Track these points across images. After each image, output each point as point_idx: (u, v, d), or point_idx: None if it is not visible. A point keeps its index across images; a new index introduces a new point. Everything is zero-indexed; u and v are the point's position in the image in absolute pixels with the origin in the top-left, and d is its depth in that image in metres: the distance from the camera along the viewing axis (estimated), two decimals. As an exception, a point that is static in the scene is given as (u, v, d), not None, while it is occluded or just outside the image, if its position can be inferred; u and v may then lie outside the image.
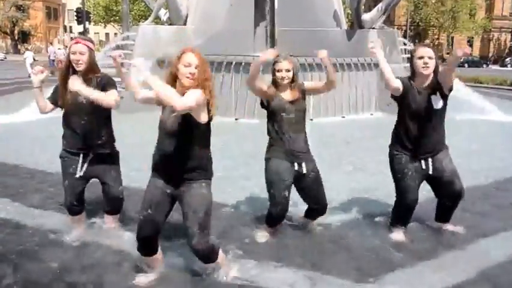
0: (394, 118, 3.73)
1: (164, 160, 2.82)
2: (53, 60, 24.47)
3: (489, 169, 5.68)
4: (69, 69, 3.39)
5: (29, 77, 23.20)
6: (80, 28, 32.01)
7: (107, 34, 59.25)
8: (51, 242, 3.55)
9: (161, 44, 10.44)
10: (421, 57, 3.43)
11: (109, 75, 3.52)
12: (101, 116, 3.48)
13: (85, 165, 3.51)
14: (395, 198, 3.82)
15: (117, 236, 3.63)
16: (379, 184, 4.84)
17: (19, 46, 50.14)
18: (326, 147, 6.42)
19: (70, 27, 54.26)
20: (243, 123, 8.97)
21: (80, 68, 3.35)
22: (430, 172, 3.62)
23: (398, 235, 3.75)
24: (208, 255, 2.93)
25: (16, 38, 56.26)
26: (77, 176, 3.51)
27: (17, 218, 3.99)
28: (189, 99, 2.60)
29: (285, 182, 3.48)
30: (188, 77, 2.71)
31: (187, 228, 2.82)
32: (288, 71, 3.48)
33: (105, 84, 3.41)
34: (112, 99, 3.32)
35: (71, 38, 52.86)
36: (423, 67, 3.43)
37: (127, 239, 3.50)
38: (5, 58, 42.51)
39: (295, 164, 3.50)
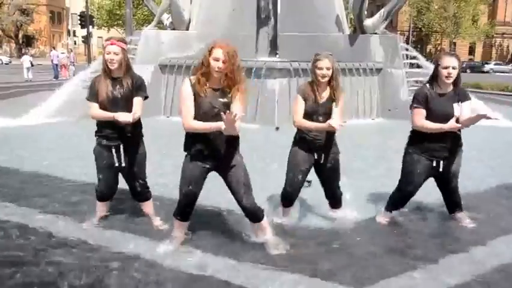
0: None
1: (211, 142, 3.20)
2: (57, 65, 24.46)
3: (487, 175, 5.68)
4: (108, 69, 3.56)
5: (26, 81, 22.94)
6: (84, 32, 32.09)
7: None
8: (54, 244, 3.57)
9: (164, 49, 10.53)
10: (446, 67, 3.59)
11: (142, 79, 3.73)
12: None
13: (120, 156, 3.69)
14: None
15: (117, 238, 3.68)
16: (378, 189, 4.88)
17: (23, 50, 50.37)
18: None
19: (74, 31, 54.29)
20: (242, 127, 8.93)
21: (114, 66, 3.54)
22: (440, 170, 3.81)
23: (384, 218, 4.10)
24: (256, 212, 3.43)
25: (20, 42, 56.55)
26: (116, 165, 3.70)
27: (20, 220, 4.01)
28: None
29: (301, 167, 3.79)
30: (216, 71, 3.08)
31: (235, 193, 3.36)
32: (329, 69, 3.61)
33: (136, 89, 3.62)
34: (131, 116, 3.51)
35: (75, 42, 53.34)
36: (446, 77, 3.61)
37: (129, 242, 3.57)
38: (10, 62, 42.98)
39: (315, 154, 3.77)
